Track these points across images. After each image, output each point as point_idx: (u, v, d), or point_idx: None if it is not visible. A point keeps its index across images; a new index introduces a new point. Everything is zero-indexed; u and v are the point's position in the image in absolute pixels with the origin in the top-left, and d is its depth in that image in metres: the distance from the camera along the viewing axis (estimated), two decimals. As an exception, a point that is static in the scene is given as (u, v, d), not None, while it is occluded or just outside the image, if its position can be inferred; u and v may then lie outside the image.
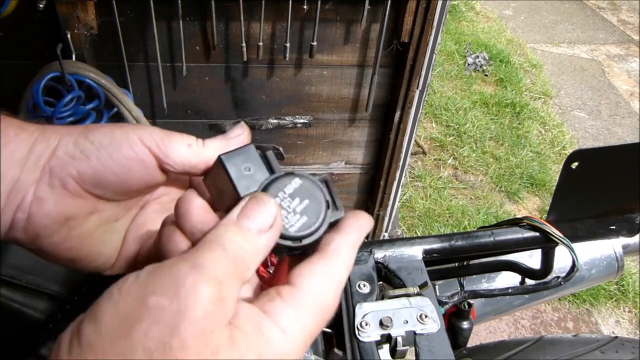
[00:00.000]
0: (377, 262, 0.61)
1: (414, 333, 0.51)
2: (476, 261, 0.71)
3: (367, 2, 1.28)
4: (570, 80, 3.77)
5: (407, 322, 0.51)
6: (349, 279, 0.54)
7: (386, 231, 1.82)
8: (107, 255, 0.37)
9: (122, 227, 0.38)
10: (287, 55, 1.36)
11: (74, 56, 1.23)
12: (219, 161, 0.32)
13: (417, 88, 1.43)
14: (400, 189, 1.71)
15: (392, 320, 0.51)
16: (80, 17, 1.19)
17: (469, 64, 3.61)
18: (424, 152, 2.81)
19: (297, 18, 1.32)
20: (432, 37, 1.33)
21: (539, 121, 3.19)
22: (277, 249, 0.31)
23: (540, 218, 0.66)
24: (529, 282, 0.72)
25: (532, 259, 0.74)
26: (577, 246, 0.65)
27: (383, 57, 1.40)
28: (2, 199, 0.32)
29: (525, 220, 0.66)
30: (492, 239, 0.65)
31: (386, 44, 1.38)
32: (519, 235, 0.66)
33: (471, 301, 0.71)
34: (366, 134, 1.63)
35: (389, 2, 1.27)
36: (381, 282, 0.62)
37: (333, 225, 0.32)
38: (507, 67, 3.65)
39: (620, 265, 0.90)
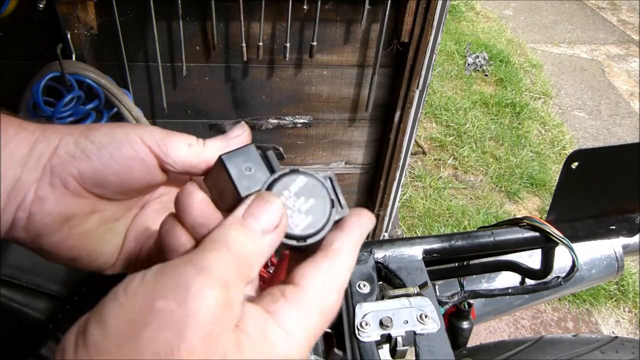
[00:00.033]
0: (377, 262, 0.61)
1: (414, 333, 0.51)
2: (476, 261, 0.71)
3: (367, 2, 1.28)
4: (570, 80, 3.77)
5: (407, 322, 0.51)
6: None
7: (386, 231, 1.82)
8: (108, 254, 0.37)
9: (123, 227, 0.38)
10: (287, 55, 1.36)
11: (74, 56, 1.23)
12: (220, 161, 0.32)
13: (417, 88, 1.43)
14: (400, 189, 1.71)
15: (392, 320, 0.51)
16: (80, 17, 1.19)
17: (469, 64, 3.62)
18: (424, 152, 2.81)
19: (297, 18, 1.32)
20: (432, 37, 1.33)
21: (539, 121, 3.19)
22: (280, 247, 0.31)
23: (540, 218, 0.66)
24: (529, 282, 0.72)
25: (532, 259, 0.74)
26: (577, 246, 0.65)
27: (383, 57, 1.40)
28: (3, 198, 0.32)
29: (525, 220, 0.66)
30: (492, 239, 0.65)
31: (386, 44, 1.38)
32: (519, 235, 0.66)
33: (471, 301, 0.71)
34: (366, 134, 1.63)
35: (389, 2, 1.27)
36: (381, 282, 0.62)
37: (336, 223, 0.32)
38: (507, 67, 3.65)
39: (620, 265, 0.90)
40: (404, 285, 0.58)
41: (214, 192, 0.34)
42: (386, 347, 0.52)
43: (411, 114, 1.49)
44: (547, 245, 0.66)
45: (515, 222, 0.67)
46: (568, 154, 0.62)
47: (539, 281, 0.69)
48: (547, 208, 0.68)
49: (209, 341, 0.24)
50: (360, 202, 1.80)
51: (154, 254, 0.37)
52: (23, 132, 0.33)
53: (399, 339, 0.51)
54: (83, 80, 1.20)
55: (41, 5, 1.12)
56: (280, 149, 1.61)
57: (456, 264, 0.70)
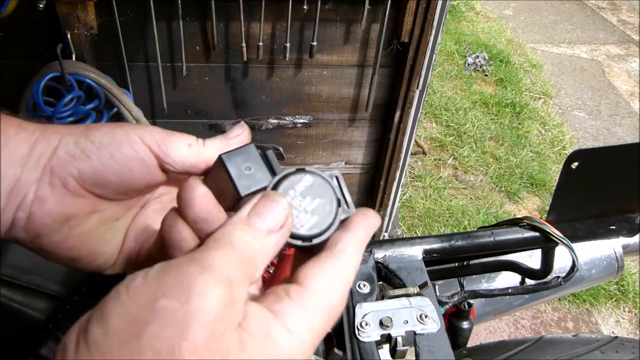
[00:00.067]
0: (377, 262, 0.61)
1: (414, 333, 0.51)
2: (476, 261, 0.71)
3: (367, 2, 1.28)
4: (570, 80, 3.77)
5: (407, 322, 0.51)
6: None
7: (386, 231, 1.82)
8: (108, 254, 0.37)
9: (123, 227, 0.38)
10: (287, 55, 1.36)
11: (74, 56, 1.23)
12: (220, 161, 0.32)
13: (417, 88, 1.43)
14: (400, 189, 1.71)
15: (392, 320, 0.51)
16: (80, 17, 1.19)
17: (469, 64, 3.62)
18: (424, 152, 2.81)
19: (297, 18, 1.32)
20: (432, 37, 1.33)
21: (539, 121, 3.19)
22: (285, 247, 0.31)
23: (540, 218, 0.66)
24: (529, 282, 0.72)
25: (532, 259, 0.74)
26: (577, 246, 0.65)
27: (383, 57, 1.40)
28: (3, 198, 0.32)
29: (525, 220, 0.66)
30: (492, 239, 0.65)
31: (386, 44, 1.38)
32: (519, 235, 0.66)
33: (471, 301, 0.71)
34: (366, 134, 1.63)
35: (389, 2, 1.27)
36: (381, 282, 0.62)
37: (342, 222, 0.32)
38: (507, 67, 3.65)
39: (620, 265, 0.90)
40: (404, 285, 0.58)
41: (213, 191, 0.34)
42: (386, 347, 0.52)
43: (411, 114, 1.49)
44: (547, 245, 0.66)
45: (515, 222, 0.67)
46: (568, 154, 0.62)
47: (539, 281, 0.69)
48: (547, 208, 0.68)
49: (211, 340, 0.23)
50: (360, 202, 1.80)
51: (154, 253, 0.37)
52: (23, 132, 0.33)
53: (399, 339, 0.51)
54: (83, 80, 1.20)
55: (41, 5, 1.12)
56: (280, 148, 1.61)
57: (456, 264, 0.70)
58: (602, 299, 2.12)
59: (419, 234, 2.34)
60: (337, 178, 0.33)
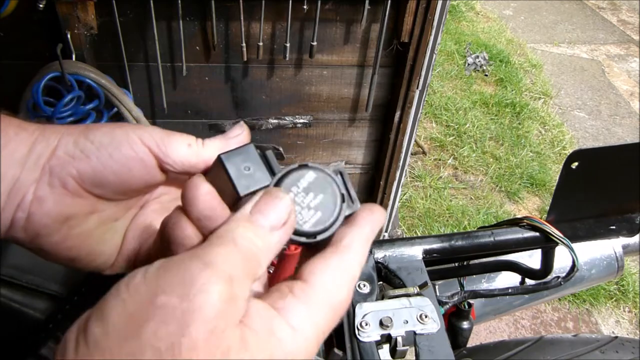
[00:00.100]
0: (377, 262, 0.61)
1: (414, 333, 0.51)
2: (476, 261, 0.71)
3: (367, 2, 1.28)
4: (570, 80, 3.77)
5: (407, 322, 0.51)
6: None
7: (386, 231, 1.82)
8: (107, 254, 0.37)
9: (122, 227, 0.38)
10: (287, 55, 1.36)
11: (74, 56, 1.23)
12: (219, 160, 0.32)
13: (417, 88, 1.43)
14: (400, 189, 1.71)
15: (392, 320, 0.51)
16: (80, 17, 1.19)
17: (469, 64, 3.61)
18: (424, 152, 2.81)
19: (297, 18, 1.32)
20: (432, 37, 1.33)
21: (539, 121, 3.19)
22: (289, 244, 0.31)
23: (540, 218, 0.66)
24: (529, 282, 0.72)
25: (532, 259, 0.74)
26: (577, 246, 0.65)
27: (383, 57, 1.40)
28: (2, 198, 0.32)
29: (525, 220, 0.66)
30: (492, 239, 0.65)
31: (386, 44, 1.38)
32: (519, 235, 0.66)
33: (471, 301, 0.71)
34: (366, 134, 1.63)
35: (389, 2, 1.27)
36: (381, 282, 0.62)
37: (347, 218, 0.32)
38: (507, 67, 3.65)
39: (620, 265, 0.90)
40: (404, 285, 0.58)
41: (213, 191, 0.34)
42: (386, 347, 0.52)
43: (411, 114, 1.49)
44: (547, 245, 0.66)
45: (515, 222, 0.67)
46: (568, 154, 0.62)
47: (539, 281, 0.69)
48: (547, 208, 0.68)
49: (212, 337, 0.23)
50: (360, 202, 1.80)
51: (153, 253, 0.37)
52: (22, 132, 0.33)
53: (399, 339, 0.50)
54: (83, 80, 1.20)
55: (41, 5, 1.12)
56: (280, 148, 1.61)
57: (456, 264, 0.70)
58: (602, 299, 2.12)
59: (419, 234, 2.34)
60: (341, 173, 0.32)
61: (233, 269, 0.26)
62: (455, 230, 2.33)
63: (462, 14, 4.48)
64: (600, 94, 3.62)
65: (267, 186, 0.31)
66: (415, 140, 2.55)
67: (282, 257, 0.36)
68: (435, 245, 0.64)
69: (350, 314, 0.52)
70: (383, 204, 1.71)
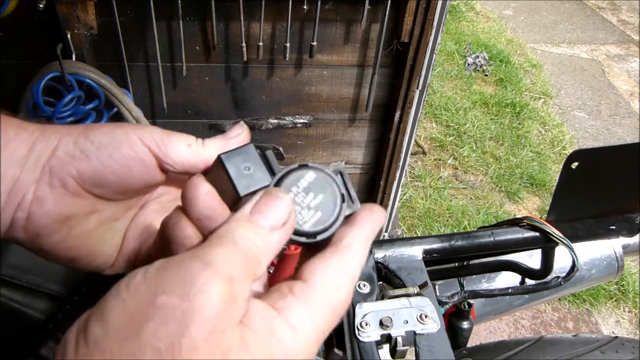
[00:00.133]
0: (377, 262, 0.61)
1: (414, 333, 0.51)
2: (476, 261, 0.71)
3: (367, 2, 1.28)
4: (570, 80, 3.77)
5: (407, 322, 0.51)
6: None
7: (386, 231, 1.82)
8: (107, 254, 0.37)
9: (122, 227, 0.38)
10: (287, 55, 1.36)
11: (74, 56, 1.23)
12: (219, 160, 0.32)
13: (417, 88, 1.43)
14: (400, 189, 1.71)
15: (392, 320, 0.51)
16: (80, 17, 1.19)
17: (469, 64, 3.61)
18: (424, 152, 2.81)
19: (297, 18, 1.32)
20: (432, 37, 1.33)
21: (539, 121, 3.19)
22: (289, 244, 0.31)
23: (540, 218, 0.66)
24: (529, 282, 0.72)
25: (532, 259, 0.74)
26: (577, 246, 0.65)
27: (383, 57, 1.40)
28: (2, 198, 0.32)
29: (525, 220, 0.66)
30: (492, 239, 0.65)
31: (386, 44, 1.38)
32: (519, 235, 0.66)
33: (471, 301, 0.71)
34: (366, 134, 1.63)
35: (389, 2, 1.27)
36: (381, 282, 0.62)
37: (347, 218, 0.32)
38: (507, 67, 3.65)
39: (620, 265, 0.90)
40: (404, 285, 0.58)
41: (213, 191, 0.34)
42: (386, 347, 0.52)
43: (411, 114, 1.49)
44: (547, 245, 0.66)
45: (515, 222, 0.67)
46: (568, 154, 0.62)
47: (539, 281, 0.69)
48: (547, 208, 0.68)
49: (212, 337, 0.23)
50: (360, 202, 1.80)
51: (153, 253, 0.37)
52: (22, 132, 0.33)
53: (399, 339, 0.50)
54: (83, 80, 1.20)
55: (41, 5, 1.12)
56: (280, 148, 1.61)
57: (456, 264, 0.70)
58: (602, 299, 2.12)
59: (419, 234, 2.34)
60: (341, 173, 0.32)
61: (233, 269, 0.26)
62: (455, 230, 2.33)
63: (462, 14, 4.48)
64: (600, 94, 3.62)
65: (267, 186, 0.31)
66: (415, 140, 2.55)
67: (282, 257, 0.36)
68: (435, 245, 0.64)
69: (350, 314, 0.52)
70: (383, 204, 1.71)
